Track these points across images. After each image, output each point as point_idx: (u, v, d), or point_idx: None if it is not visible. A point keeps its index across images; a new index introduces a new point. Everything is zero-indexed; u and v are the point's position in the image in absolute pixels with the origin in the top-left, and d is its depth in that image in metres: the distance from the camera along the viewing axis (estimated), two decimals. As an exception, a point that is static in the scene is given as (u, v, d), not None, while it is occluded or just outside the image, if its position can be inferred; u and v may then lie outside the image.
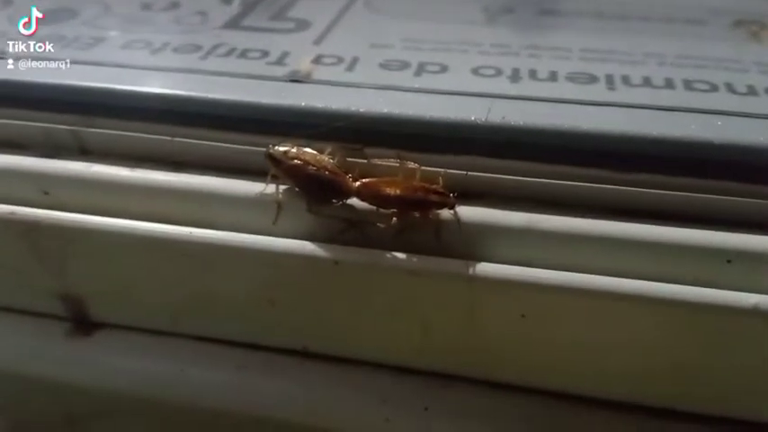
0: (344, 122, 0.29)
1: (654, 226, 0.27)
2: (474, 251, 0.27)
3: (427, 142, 0.28)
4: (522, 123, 0.28)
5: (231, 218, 0.29)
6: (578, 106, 0.29)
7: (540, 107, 0.29)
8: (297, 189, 0.29)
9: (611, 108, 0.29)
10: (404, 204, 0.28)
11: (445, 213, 0.28)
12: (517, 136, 0.28)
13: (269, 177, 0.29)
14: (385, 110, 0.29)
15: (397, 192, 0.28)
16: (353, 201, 0.29)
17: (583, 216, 0.27)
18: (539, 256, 0.27)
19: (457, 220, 0.27)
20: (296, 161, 0.28)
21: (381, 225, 0.28)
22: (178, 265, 0.30)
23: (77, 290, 0.32)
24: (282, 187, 0.29)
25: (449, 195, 0.27)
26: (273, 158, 0.28)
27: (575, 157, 0.27)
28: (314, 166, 0.28)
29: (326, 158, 0.29)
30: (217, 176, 0.30)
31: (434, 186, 0.28)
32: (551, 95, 0.30)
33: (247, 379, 0.31)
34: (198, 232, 0.29)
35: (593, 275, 0.26)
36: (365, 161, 0.29)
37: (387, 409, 0.30)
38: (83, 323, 0.33)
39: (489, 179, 0.28)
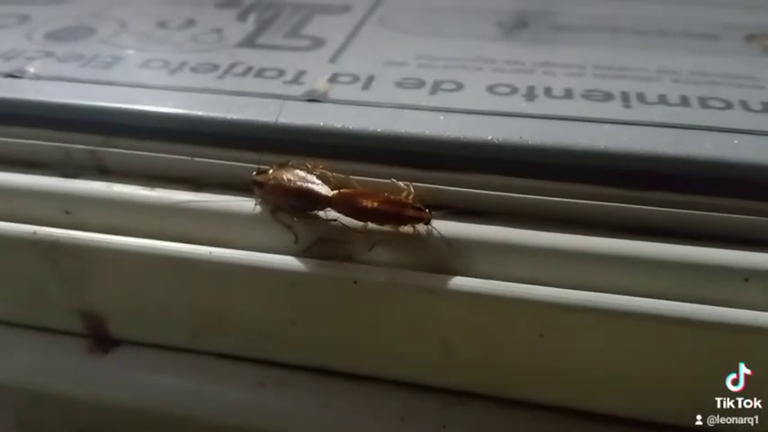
0: (362, 142, 0.29)
1: (670, 245, 0.27)
2: (477, 269, 0.28)
3: (444, 161, 0.29)
4: (539, 143, 0.28)
5: (250, 237, 0.29)
6: (595, 125, 0.29)
7: (557, 126, 0.29)
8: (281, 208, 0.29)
9: (627, 126, 0.29)
10: (379, 217, 0.28)
11: (421, 228, 0.28)
12: (534, 155, 0.28)
13: (256, 200, 0.29)
14: (402, 130, 0.29)
15: (374, 204, 0.28)
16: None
17: (599, 235, 0.27)
18: (554, 275, 0.27)
19: (428, 234, 0.27)
20: (275, 180, 0.29)
21: (353, 239, 0.28)
22: (197, 285, 0.30)
23: (97, 308, 0.33)
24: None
25: (424, 210, 0.27)
26: (257, 183, 0.29)
27: (592, 175, 0.28)
28: (292, 180, 0.29)
29: (304, 173, 0.29)
30: (236, 196, 0.30)
31: (411, 201, 0.28)
32: (568, 114, 0.30)
33: (266, 396, 0.32)
34: (218, 252, 0.29)
35: (611, 295, 0.26)
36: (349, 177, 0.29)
37: (405, 427, 0.30)
38: (102, 340, 0.34)
39: (505, 198, 0.28)
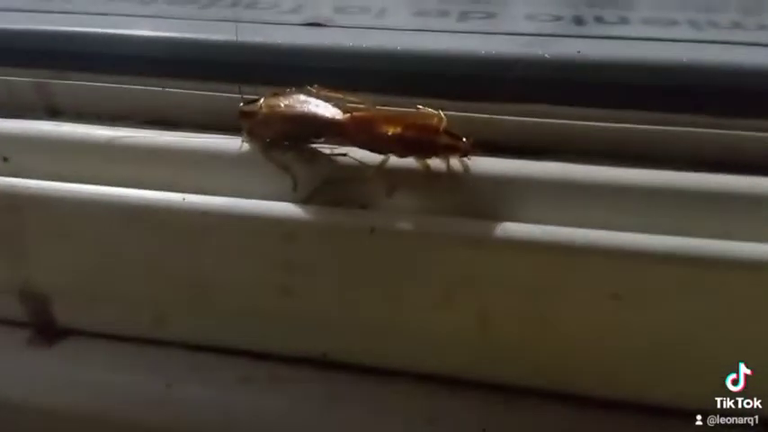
0: (377, 65, 0.23)
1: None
2: (529, 216, 0.21)
3: (484, 87, 0.23)
4: (604, 57, 0.22)
5: (236, 183, 0.23)
6: (664, 43, 0.24)
7: (620, 45, 0.24)
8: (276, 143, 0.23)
9: (706, 45, 0.23)
10: (403, 146, 0.22)
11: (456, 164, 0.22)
12: (598, 72, 0.22)
13: (243, 136, 0.23)
14: (428, 47, 0.23)
15: (396, 130, 0.21)
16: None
17: (682, 170, 0.21)
18: (631, 220, 0.21)
19: (465, 171, 0.22)
20: (268, 108, 0.23)
21: (369, 177, 0.22)
22: (166, 243, 0.23)
23: (40, 283, 0.26)
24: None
25: (461, 138, 0.21)
26: (247, 113, 0.23)
27: (669, 98, 0.22)
28: (290, 105, 0.23)
29: (306, 97, 0.23)
30: (218, 135, 0.24)
31: (444, 126, 0.22)
32: (629, 34, 0.24)
33: (252, 395, 0.25)
34: (193, 199, 0.23)
35: (711, 240, 0.20)
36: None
37: None
38: (46, 328, 0.27)
39: (560, 128, 0.23)
